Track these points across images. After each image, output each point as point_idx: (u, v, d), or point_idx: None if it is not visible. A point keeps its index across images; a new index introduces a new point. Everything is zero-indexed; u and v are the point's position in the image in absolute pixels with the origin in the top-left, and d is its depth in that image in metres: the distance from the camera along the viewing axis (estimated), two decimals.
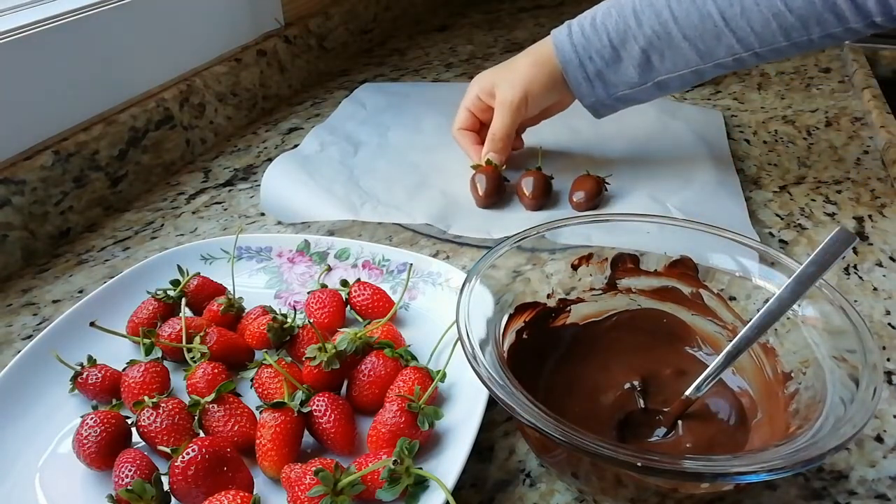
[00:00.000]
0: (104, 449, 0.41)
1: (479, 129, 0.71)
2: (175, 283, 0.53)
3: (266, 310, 0.51)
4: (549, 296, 0.47)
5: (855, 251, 0.62)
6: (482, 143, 0.69)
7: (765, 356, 0.43)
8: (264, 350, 0.48)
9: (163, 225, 0.69)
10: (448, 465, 0.39)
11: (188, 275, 0.53)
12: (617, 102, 0.64)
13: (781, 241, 0.64)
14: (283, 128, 0.90)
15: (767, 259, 0.44)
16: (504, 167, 0.68)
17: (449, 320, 0.44)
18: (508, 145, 0.68)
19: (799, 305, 0.41)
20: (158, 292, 0.52)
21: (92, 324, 0.48)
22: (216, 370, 0.45)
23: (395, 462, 0.37)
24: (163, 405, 0.42)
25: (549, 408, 0.34)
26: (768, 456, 0.32)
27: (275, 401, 0.42)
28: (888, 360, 0.50)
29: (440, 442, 0.42)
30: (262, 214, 0.70)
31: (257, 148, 0.84)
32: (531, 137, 0.80)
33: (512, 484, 0.42)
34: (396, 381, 0.44)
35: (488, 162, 0.69)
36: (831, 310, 0.39)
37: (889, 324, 0.54)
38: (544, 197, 0.68)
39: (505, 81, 0.66)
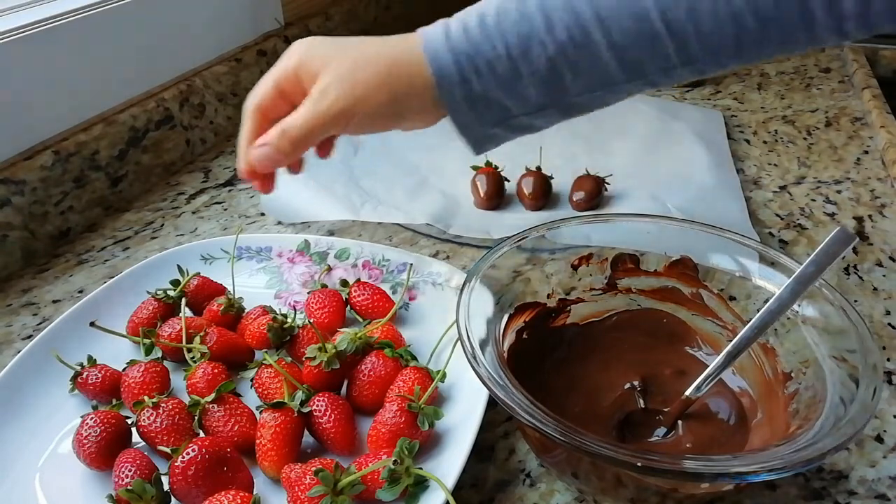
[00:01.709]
0: (104, 449, 0.41)
1: (281, 112, 0.46)
2: (175, 283, 0.53)
3: (266, 310, 0.51)
4: (549, 296, 0.47)
5: (855, 251, 0.62)
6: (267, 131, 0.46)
7: (765, 356, 0.43)
8: (264, 350, 0.48)
9: (163, 225, 0.69)
10: (448, 465, 0.39)
11: (188, 275, 0.53)
12: (506, 132, 0.46)
13: (781, 241, 0.64)
14: None
15: (767, 259, 0.44)
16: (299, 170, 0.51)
17: (449, 320, 0.44)
18: (296, 154, 0.45)
19: (799, 305, 0.41)
20: (158, 292, 0.52)
21: (92, 324, 0.48)
22: (216, 370, 0.45)
23: (395, 462, 0.37)
24: (163, 405, 0.42)
25: (549, 408, 0.34)
26: (768, 456, 0.32)
27: (275, 401, 0.42)
28: (888, 360, 0.50)
29: (440, 442, 0.42)
30: (262, 214, 0.70)
31: None
32: (531, 137, 0.80)
33: (512, 484, 0.42)
34: (396, 381, 0.44)
35: (487, 163, 0.69)
36: (831, 310, 0.39)
37: (889, 324, 0.54)
38: (544, 197, 0.68)
39: (335, 70, 0.43)
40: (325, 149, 0.51)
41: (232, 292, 0.54)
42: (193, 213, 0.71)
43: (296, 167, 0.51)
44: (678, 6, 0.40)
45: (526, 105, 0.44)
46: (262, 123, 0.46)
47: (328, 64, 0.43)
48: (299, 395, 0.42)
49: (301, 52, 0.44)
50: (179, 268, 0.54)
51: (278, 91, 0.45)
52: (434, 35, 0.43)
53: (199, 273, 0.55)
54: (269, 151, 0.44)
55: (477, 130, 0.45)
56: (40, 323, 0.56)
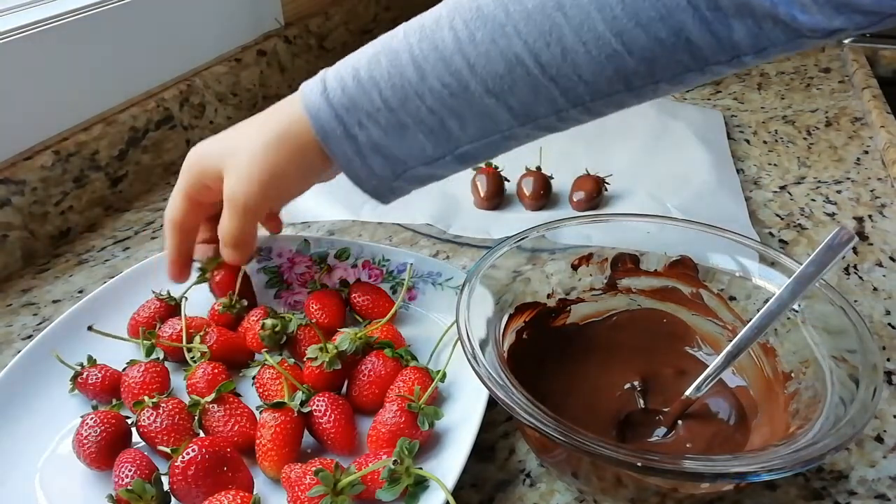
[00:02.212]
0: (104, 449, 0.40)
1: (203, 220, 0.51)
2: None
3: (268, 310, 0.51)
4: (549, 296, 0.47)
5: (855, 251, 0.62)
6: (195, 240, 0.51)
7: (765, 356, 0.43)
8: (265, 350, 0.48)
9: (163, 225, 0.69)
10: (448, 465, 0.39)
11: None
12: (410, 183, 0.45)
13: (781, 241, 0.64)
14: None
15: (767, 259, 0.44)
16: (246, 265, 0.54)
17: (449, 320, 0.44)
18: (251, 246, 0.48)
19: (799, 305, 0.41)
20: (162, 293, 0.52)
21: (90, 328, 0.48)
22: (216, 370, 0.45)
23: (395, 462, 0.37)
24: (163, 405, 0.42)
25: (549, 408, 0.34)
26: (768, 456, 0.32)
27: (275, 401, 0.42)
28: (888, 360, 0.50)
29: (440, 442, 0.42)
30: None
31: None
32: None
33: (512, 484, 0.42)
34: (396, 381, 0.44)
35: (487, 163, 0.69)
36: (831, 310, 0.39)
37: (889, 324, 0.54)
38: (544, 197, 0.68)
39: (234, 169, 0.44)
40: (273, 224, 0.55)
41: (234, 293, 0.54)
42: None
43: (273, 227, 0.56)
44: (550, 50, 0.38)
45: (419, 157, 0.43)
46: (183, 238, 0.49)
47: (224, 163, 0.45)
48: (299, 395, 0.42)
49: (195, 161, 0.47)
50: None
51: (191, 203, 0.48)
52: (312, 92, 0.43)
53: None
54: (235, 254, 0.47)
55: (375, 183, 0.44)
56: (40, 323, 0.56)
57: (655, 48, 0.37)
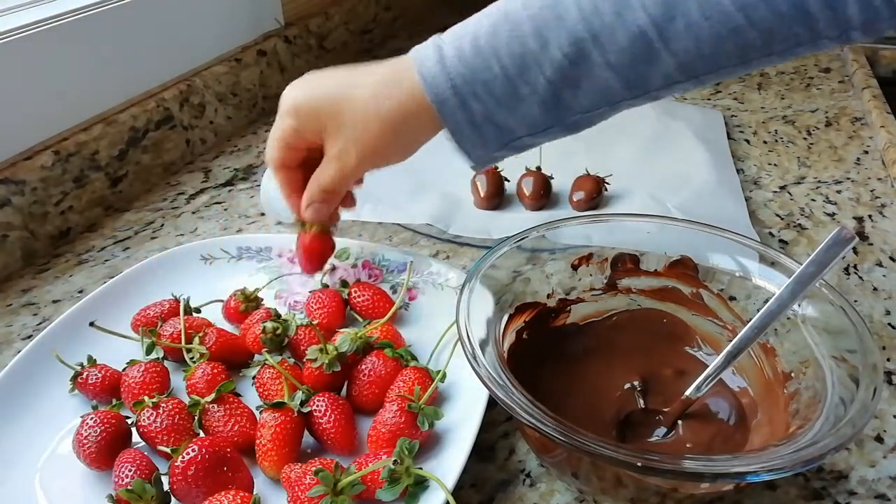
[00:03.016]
0: (104, 449, 0.41)
1: (304, 162, 0.50)
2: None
3: (270, 312, 0.51)
4: (549, 296, 0.47)
5: (855, 251, 0.62)
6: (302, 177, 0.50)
7: (765, 356, 0.43)
8: (265, 350, 0.48)
9: (163, 225, 0.69)
10: (448, 465, 0.40)
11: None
12: (512, 151, 0.45)
13: (781, 241, 0.64)
14: None
15: (767, 259, 0.44)
16: (337, 219, 0.54)
17: (449, 320, 0.44)
18: (337, 200, 0.49)
19: (799, 305, 0.41)
20: (183, 296, 0.52)
21: (91, 324, 0.48)
22: (216, 370, 0.45)
23: (395, 462, 0.37)
24: (163, 405, 0.42)
25: (549, 408, 0.34)
26: (768, 456, 0.32)
27: (275, 401, 0.42)
28: (888, 360, 0.50)
29: (440, 442, 0.42)
30: (262, 214, 0.70)
31: (257, 148, 0.84)
32: None
33: (512, 484, 0.42)
34: (396, 381, 0.44)
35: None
36: (831, 310, 0.39)
37: (889, 324, 0.54)
38: (544, 197, 0.68)
39: (346, 129, 0.45)
40: (349, 202, 0.55)
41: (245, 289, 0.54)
42: (193, 213, 0.71)
43: (348, 203, 0.55)
44: (674, 23, 0.39)
45: (530, 126, 0.43)
46: (290, 175, 0.50)
47: (334, 122, 0.45)
48: (299, 395, 0.42)
49: (298, 109, 0.47)
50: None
51: (289, 148, 0.49)
52: (427, 59, 0.43)
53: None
54: (317, 209, 0.49)
55: (481, 153, 0.45)
56: (40, 323, 0.56)
57: (775, 22, 0.38)
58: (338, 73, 0.47)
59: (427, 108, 0.43)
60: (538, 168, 0.69)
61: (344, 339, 0.46)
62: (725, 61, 0.40)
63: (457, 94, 0.42)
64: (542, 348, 0.46)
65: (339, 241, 0.59)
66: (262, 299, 0.54)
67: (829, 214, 0.68)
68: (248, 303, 0.52)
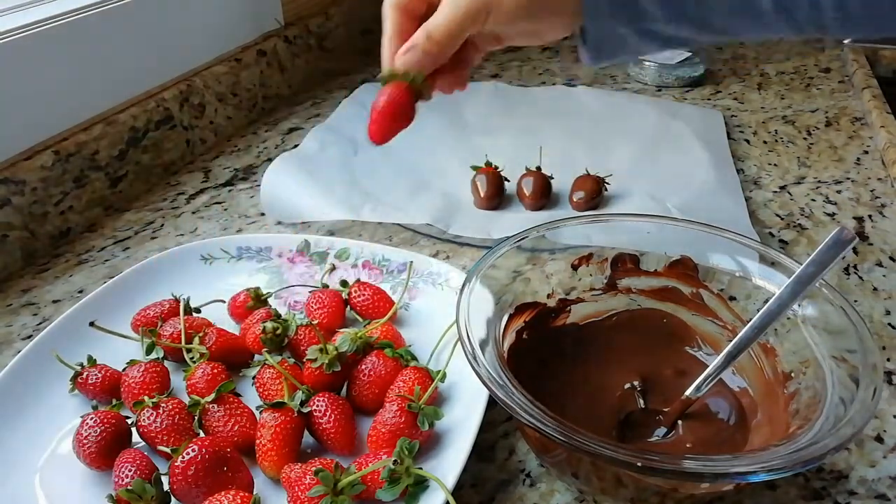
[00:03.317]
0: (104, 449, 0.41)
1: (420, 13, 0.45)
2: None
3: (270, 312, 0.51)
4: (549, 296, 0.47)
5: (855, 251, 0.62)
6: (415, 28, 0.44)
7: (765, 356, 0.43)
8: (265, 350, 0.48)
9: (163, 225, 0.69)
10: (448, 465, 0.40)
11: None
12: (634, 40, 0.42)
13: (781, 241, 0.64)
14: (283, 128, 0.90)
15: (767, 259, 0.44)
16: (430, 91, 0.46)
17: (449, 320, 0.44)
18: (443, 54, 0.43)
19: (799, 305, 0.41)
20: (183, 296, 0.52)
21: (91, 324, 0.48)
22: (216, 370, 0.45)
23: (395, 462, 0.37)
24: (163, 405, 0.42)
25: (549, 408, 0.34)
26: (768, 456, 0.32)
27: (275, 401, 0.42)
28: (888, 360, 0.50)
29: (440, 442, 0.42)
30: (262, 214, 0.70)
31: (257, 148, 0.84)
32: (530, 137, 0.80)
33: (512, 484, 0.42)
34: (396, 381, 0.44)
35: (487, 163, 0.69)
36: (831, 310, 0.39)
37: (889, 324, 0.54)
38: (544, 197, 0.68)
39: None
40: (460, 79, 0.47)
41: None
42: (193, 213, 0.71)
43: (458, 79, 0.47)
44: None
45: (666, 11, 0.40)
46: (404, 21, 0.44)
47: None
48: (299, 395, 0.42)
49: None
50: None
51: None
52: None
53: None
54: (417, 55, 0.42)
55: (607, 27, 0.42)
56: (40, 323, 0.56)
57: None
58: None
59: None
60: (538, 168, 0.69)
61: (344, 339, 0.46)
62: (884, 11, 0.37)
63: None
64: (542, 348, 0.46)
65: (339, 241, 0.59)
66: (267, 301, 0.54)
67: (829, 214, 0.68)
68: (257, 302, 0.52)
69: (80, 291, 0.59)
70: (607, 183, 0.68)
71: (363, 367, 0.45)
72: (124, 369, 0.46)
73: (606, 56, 0.44)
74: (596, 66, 0.45)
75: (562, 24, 0.43)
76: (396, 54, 0.43)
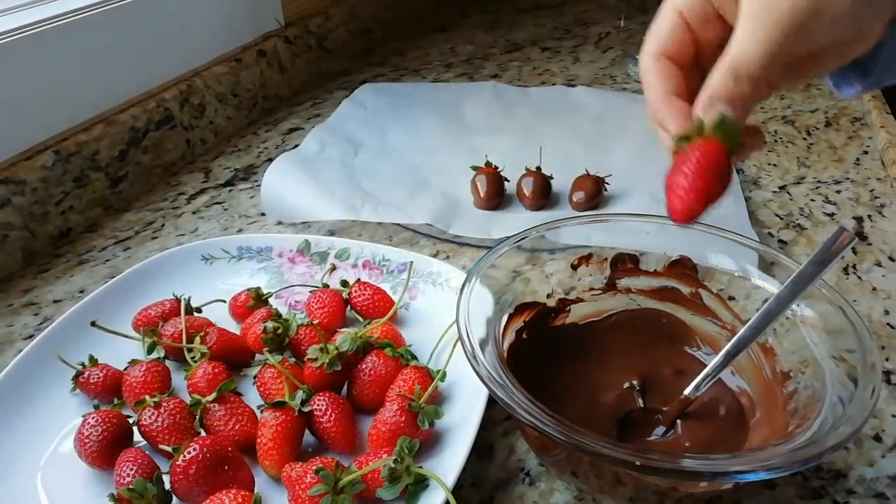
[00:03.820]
0: (105, 448, 0.41)
1: (690, 59, 0.34)
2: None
3: (271, 311, 0.51)
4: (548, 295, 0.47)
5: (854, 251, 0.62)
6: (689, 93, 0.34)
7: (764, 356, 0.43)
8: (266, 349, 0.48)
9: (163, 225, 0.69)
10: (448, 464, 0.40)
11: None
12: None
13: (781, 241, 0.64)
14: (283, 128, 0.90)
15: (767, 259, 0.44)
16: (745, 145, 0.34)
17: (449, 320, 0.44)
18: (761, 95, 0.32)
19: (798, 305, 0.41)
20: (184, 296, 0.52)
21: (93, 323, 0.48)
22: (217, 370, 0.45)
23: (395, 461, 0.37)
24: (164, 404, 0.42)
25: (549, 407, 0.34)
26: (767, 455, 0.32)
27: (276, 400, 0.42)
28: (887, 359, 0.50)
29: (440, 441, 0.43)
30: (263, 214, 0.70)
31: (257, 148, 0.84)
32: (530, 138, 0.80)
33: (512, 483, 0.42)
34: (397, 380, 0.44)
35: (487, 163, 0.69)
36: (830, 309, 0.40)
37: (888, 324, 0.54)
38: (544, 197, 0.68)
39: None
40: (756, 140, 0.35)
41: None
42: (194, 213, 0.71)
43: (754, 139, 0.35)
44: None
45: None
46: (673, 71, 0.34)
47: None
48: (300, 394, 0.43)
49: None
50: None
51: (681, 21, 0.33)
52: None
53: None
54: (732, 101, 0.32)
55: None
56: (41, 323, 0.56)
57: None
58: None
59: None
60: (538, 168, 0.69)
61: (344, 339, 0.46)
62: None
63: None
64: (542, 348, 0.46)
65: (340, 241, 0.60)
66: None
67: (828, 214, 0.68)
68: (257, 301, 0.53)
69: (81, 291, 0.59)
70: (607, 183, 0.68)
71: (363, 366, 0.45)
72: (125, 369, 0.46)
73: (889, 76, 0.33)
74: (858, 94, 0.34)
75: (875, 34, 0.32)
76: (696, 108, 0.33)
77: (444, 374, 0.45)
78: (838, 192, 0.72)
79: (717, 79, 0.31)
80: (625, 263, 0.48)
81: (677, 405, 0.41)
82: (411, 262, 0.55)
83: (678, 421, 0.42)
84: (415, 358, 0.47)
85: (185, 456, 0.38)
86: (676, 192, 0.35)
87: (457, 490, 0.39)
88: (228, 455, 0.39)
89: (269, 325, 0.48)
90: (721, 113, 0.31)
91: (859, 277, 0.59)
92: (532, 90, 0.97)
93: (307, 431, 0.43)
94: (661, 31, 0.33)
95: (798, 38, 0.30)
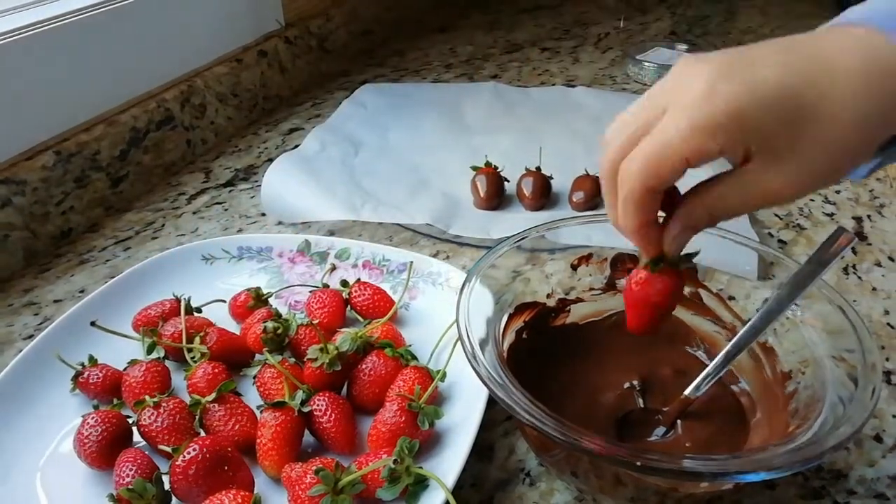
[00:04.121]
0: (105, 448, 0.41)
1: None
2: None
3: (271, 311, 0.51)
4: (548, 295, 0.47)
5: (854, 251, 0.62)
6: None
7: (764, 356, 0.43)
8: (266, 349, 0.48)
9: (164, 225, 0.69)
10: (448, 465, 0.40)
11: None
12: None
13: (780, 241, 0.64)
14: (283, 128, 0.90)
15: (767, 259, 0.44)
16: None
17: (449, 320, 0.44)
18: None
19: (798, 305, 0.41)
20: (184, 296, 0.52)
21: (93, 323, 0.48)
22: (216, 370, 0.45)
23: (395, 461, 0.37)
24: (164, 404, 0.42)
25: (549, 407, 0.34)
26: (767, 455, 0.32)
27: (275, 400, 0.42)
28: (887, 359, 0.50)
29: (440, 441, 0.43)
30: (263, 214, 0.70)
31: (258, 148, 0.85)
32: (530, 138, 0.80)
33: (512, 483, 0.42)
34: (397, 380, 0.44)
35: (487, 163, 0.69)
36: (830, 309, 0.39)
37: (888, 323, 0.54)
38: (544, 197, 0.68)
39: (804, 146, 0.29)
40: None
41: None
42: (194, 213, 0.71)
43: None
44: None
45: None
46: (658, 199, 0.33)
47: (783, 142, 0.29)
48: (300, 394, 0.43)
49: (727, 127, 0.29)
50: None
51: (679, 172, 0.31)
52: (861, 16, 0.30)
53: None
54: (688, 236, 0.35)
55: None
56: (41, 323, 0.56)
57: None
58: (742, 58, 0.30)
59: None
60: (538, 168, 0.69)
61: (344, 339, 0.46)
62: None
63: None
64: (542, 348, 0.46)
65: (340, 241, 0.60)
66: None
67: (827, 214, 0.68)
68: (257, 301, 0.53)
69: (82, 291, 0.59)
70: None
71: (363, 366, 0.45)
72: (125, 369, 0.46)
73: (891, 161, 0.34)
74: (864, 178, 0.35)
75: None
76: (667, 236, 0.34)
77: (444, 375, 0.45)
78: (838, 191, 0.72)
79: (694, 214, 0.33)
80: (625, 263, 0.48)
81: (677, 405, 0.41)
82: (411, 262, 0.55)
83: (678, 421, 0.42)
84: (415, 358, 0.47)
85: (184, 456, 0.38)
86: (636, 310, 0.37)
87: (457, 490, 0.39)
88: (228, 455, 0.39)
89: (269, 325, 0.48)
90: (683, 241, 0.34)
91: (859, 277, 0.59)
92: (532, 90, 0.97)
93: (307, 432, 0.43)
94: (665, 171, 0.31)
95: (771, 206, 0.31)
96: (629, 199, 0.32)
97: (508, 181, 0.70)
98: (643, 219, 0.33)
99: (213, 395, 0.43)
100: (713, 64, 0.30)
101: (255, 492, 0.39)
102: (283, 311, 0.53)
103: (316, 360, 0.45)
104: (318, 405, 0.42)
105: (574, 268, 0.48)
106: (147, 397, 0.42)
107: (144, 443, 0.43)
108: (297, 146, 0.80)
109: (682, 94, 0.30)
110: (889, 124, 0.30)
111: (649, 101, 0.32)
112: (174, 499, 0.39)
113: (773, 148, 0.29)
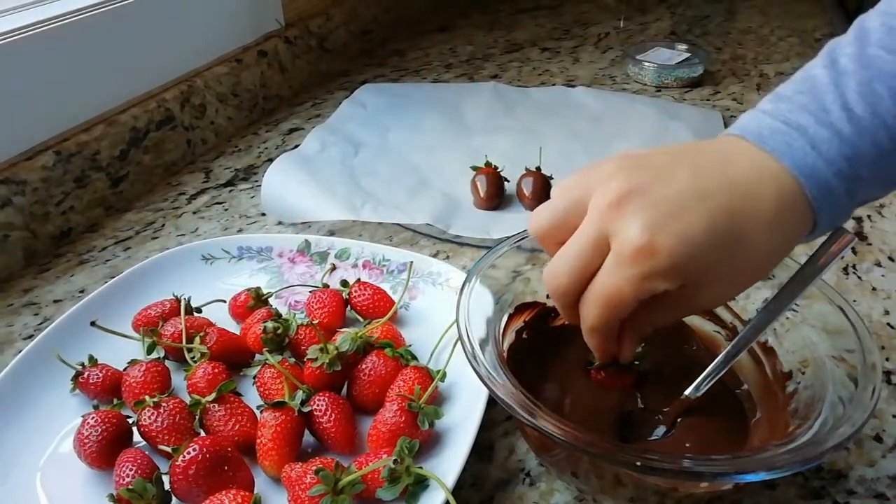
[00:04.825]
0: (105, 448, 0.41)
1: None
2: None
3: (271, 311, 0.51)
4: (548, 295, 0.47)
5: (854, 251, 0.62)
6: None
7: (764, 356, 0.43)
8: (266, 349, 0.48)
9: (164, 225, 0.69)
10: (448, 465, 0.40)
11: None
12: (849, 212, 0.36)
13: None
14: (283, 128, 0.90)
15: None
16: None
17: (449, 320, 0.44)
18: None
19: (798, 305, 0.41)
20: (184, 296, 0.52)
21: (93, 323, 0.48)
22: (216, 370, 0.45)
23: (395, 461, 0.37)
24: (164, 404, 0.42)
25: (549, 407, 0.34)
26: (767, 455, 0.32)
27: (275, 400, 0.42)
28: (887, 359, 0.50)
29: (440, 441, 0.43)
30: (263, 214, 0.70)
31: (258, 148, 0.85)
32: (530, 138, 0.80)
33: (512, 483, 0.42)
34: (397, 380, 0.44)
35: (487, 163, 0.69)
36: (830, 309, 0.40)
37: (888, 323, 0.54)
38: (544, 197, 0.68)
39: (725, 278, 0.34)
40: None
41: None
42: (194, 213, 0.71)
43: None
44: None
45: (882, 187, 0.36)
46: (612, 342, 0.38)
47: (713, 276, 0.34)
48: (300, 394, 0.43)
49: (673, 272, 0.33)
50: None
51: (632, 305, 0.35)
52: (798, 150, 0.33)
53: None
54: (637, 345, 0.40)
55: (841, 220, 0.36)
56: (41, 323, 0.56)
57: None
58: (671, 187, 0.33)
59: (807, 215, 0.34)
60: (538, 168, 0.69)
61: (344, 339, 0.46)
62: None
63: (843, 181, 0.33)
64: (542, 348, 0.46)
65: (340, 241, 0.60)
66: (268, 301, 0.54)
67: None
68: (257, 301, 0.53)
69: (82, 291, 0.59)
70: None
71: (363, 366, 0.45)
72: (125, 369, 0.46)
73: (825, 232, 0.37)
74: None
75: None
76: (622, 350, 0.39)
77: (444, 375, 0.45)
78: None
79: (640, 330, 0.39)
80: None
81: (677, 405, 0.41)
82: (411, 262, 0.55)
83: (678, 421, 0.42)
84: (415, 358, 0.47)
85: (184, 456, 0.38)
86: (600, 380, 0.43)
87: (457, 490, 0.39)
88: (228, 455, 0.39)
89: (269, 325, 0.48)
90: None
91: (859, 277, 0.59)
92: (532, 90, 0.97)
93: (307, 432, 0.43)
94: (622, 309, 0.35)
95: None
96: (595, 329, 0.37)
97: (508, 181, 0.70)
98: (607, 341, 0.38)
99: (213, 395, 0.43)
100: (641, 204, 0.33)
101: (255, 492, 0.39)
102: (283, 311, 0.53)
103: (316, 360, 0.45)
104: (318, 405, 0.42)
105: None
106: (147, 397, 0.42)
107: (144, 443, 0.43)
108: (297, 146, 0.80)
109: (618, 227, 0.33)
110: (796, 240, 0.35)
111: (590, 226, 0.35)
112: (174, 499, 0.39)
113: (707, 278, 0.34)
